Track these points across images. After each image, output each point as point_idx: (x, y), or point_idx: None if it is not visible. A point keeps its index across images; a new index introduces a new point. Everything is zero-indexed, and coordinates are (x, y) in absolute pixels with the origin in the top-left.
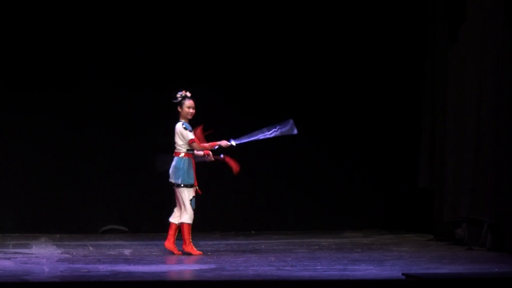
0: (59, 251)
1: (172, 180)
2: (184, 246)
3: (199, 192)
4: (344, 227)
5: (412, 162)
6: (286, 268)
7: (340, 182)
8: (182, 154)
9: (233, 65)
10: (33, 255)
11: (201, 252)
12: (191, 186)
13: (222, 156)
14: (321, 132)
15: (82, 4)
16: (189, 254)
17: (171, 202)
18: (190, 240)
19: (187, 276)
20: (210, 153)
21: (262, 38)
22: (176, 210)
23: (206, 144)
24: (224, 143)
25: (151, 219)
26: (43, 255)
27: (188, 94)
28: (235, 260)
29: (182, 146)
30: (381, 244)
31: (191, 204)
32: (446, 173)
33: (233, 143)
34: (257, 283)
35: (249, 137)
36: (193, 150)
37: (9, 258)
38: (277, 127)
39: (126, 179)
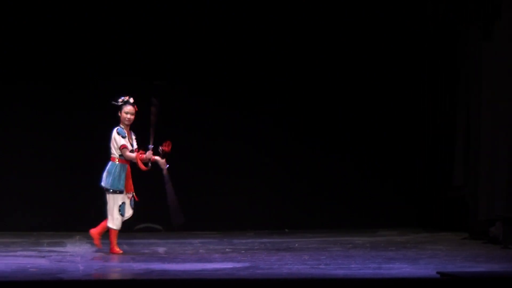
0: (94, 249)
1: (103, 184)
2: (111, 249)
3: (136, 198)
4: (379, 225)
5: (447, 160)
6: (320, 266)
7: (375, 180)
8: (116, 160)
9: (233, 65)
10: (68, 254)
11: (122, 251)
12: (120, 192)
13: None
14: (355, 130)
15: (82, 3)
16: (114, 254)
17: (204, 201)
18: (116, 243)
19: (222, 275)
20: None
21: (261, 38)
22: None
23: (131, 155)
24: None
25: (185, 217)
26: (78, 254)
27: (131, 100)
28: (269, 259)
29: (116, 151)
30: (415, 242)
31: (119, 210)
32: (480, 171)
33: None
34: (291, 282)
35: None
36: (123, 155)
37: (44, 257)
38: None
39: (158, 177)
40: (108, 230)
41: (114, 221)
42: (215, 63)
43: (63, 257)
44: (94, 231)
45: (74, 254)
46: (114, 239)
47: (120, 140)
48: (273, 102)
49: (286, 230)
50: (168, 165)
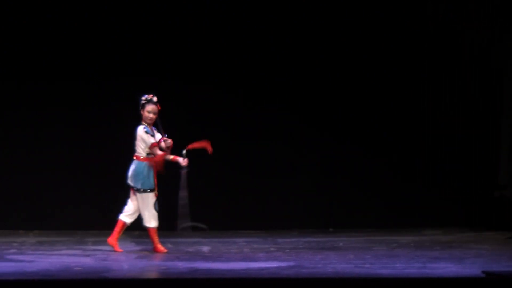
0: (138, 248)
1: (131, 184)
2: (154, 247)
3: (156, 195)
4: (424, 224)
5: (492, 159)
6: (365, 265)
7: (420, 180)
8: (143, 158)
9: (233, 65)
10: (112, 252)
11: (167, 250)
12: (151, 190)
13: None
14: (398, 132)
15: (82, 3)
16: (159, 252)
17: (249, 200)
18: (158, 240)
19: (266, 274)
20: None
21: (262, 38)
22: (127, 208)
23: (161, 154)
24: (180, 160)
25: (229, 217)
26: (122, 252)
27: (154, 98)
28: (314, 258)
29: (143, 150)
30: (460, 241)
31: (154, 207)
32: None
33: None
34: (336, 281)
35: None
36: (153, 154)
37: (88, 255)
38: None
39: (203, 177)
40: (147, 230)
41: (151, 219)
42: (218, 63)
43: (108, 256)
44: (112, 240)
45: (119, 253)
46: (155, 237)
47: (149, 139)
48: (317, 102)
49: (331, 229)
50: (188, 169)
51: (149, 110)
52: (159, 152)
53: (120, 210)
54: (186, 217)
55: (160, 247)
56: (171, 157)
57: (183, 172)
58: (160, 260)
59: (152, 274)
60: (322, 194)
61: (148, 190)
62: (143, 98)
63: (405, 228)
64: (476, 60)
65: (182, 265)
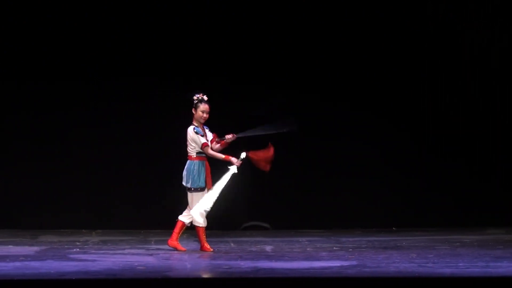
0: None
1: (184, 183)
2: (201, 247)
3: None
4: (487, 223)
5: None
6: (428, 265)
7: (482, 179)
8: (194, 157)
9: (233, 66)
10: (175, 252)
11: (213, 249)
12: (201, 189)
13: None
14: (459, 131)
15: (82, 3)
16: (205, 252)
17: (312, 199)
18: (205, 240)
19: (329, 273)
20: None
21: (262, 38)
22: (187, 209)
23: (217, 154)
24: (234, 160)
25: (292, 216)
26: (185, 252)
27: (205, 97)
28: (377, 257)
29: (192, 150)
30: None
31: None
32: None
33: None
34: (399, 280)
35: (251, 132)
36: (205, 153)
37: (151, 254)
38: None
39: (266, 176)
40: (194, 229)
41: (199, 219)
42: (222, 64)
43: (171, 255)
44: (172, 242)
45: (182, 252)
46: (203, 236)
47: (200, 139)
48: (382, 100)
49: (394, 228)
50: (236, 172)
51: (203, 110)
52: (211, 152)
53: (182, 210)
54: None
55: (207, 246)
56: (222, 157)
57: (232, 171)
58: (223, 259)
59: (215, 273)
60: (386, 193)
61: (198, 189)
62: (195, 97)
63: (468, 227)
64: (476, 60)
65: (245, 264)
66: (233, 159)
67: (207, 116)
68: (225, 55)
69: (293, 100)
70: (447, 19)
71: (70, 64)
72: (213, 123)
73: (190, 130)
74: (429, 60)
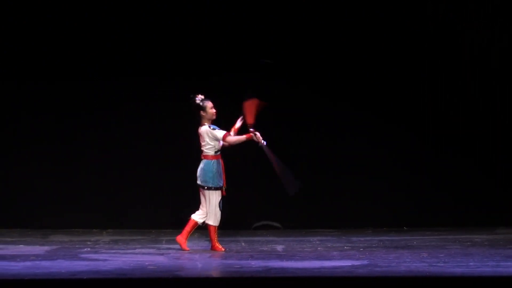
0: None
1: (200, 182)
2: (212, 246)
3: (223, 193)
4: (497, 223)
5: None
6: (439, 264)
7: (493, 179)
8: (211, 157)
9: (233, 66)
10: (186, 251)
11: (224, 248)
12: (217, 188)
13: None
14: (467, 131)
15: (82, 3)
16: (216, 251)
17: (323, 198)
18: (217, 239)
19: (340, 272)
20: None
21: (262, 38)
22: (201, 209)
23: (239, 137)
24: (256, 135)
25: (303, 215)
26: (196, 251)
27: (203, 96)
28: (387, 256)
29: (210, 149)
30: None
31: (219, 206)
32: None
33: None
34: (410, 279)
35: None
36: (220, 151)
37: (162, 254)
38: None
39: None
40: (207, 228)
41: (215, 218)
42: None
43: (182, 254)
44: (181, 239)
45: (192, 252)
46: (214, 235)
47: (220, 131)
48: (391, 100)
49: (405, 227)
50: (266, 142)
51: (211, 106)
52: (233, 138)
53: (193, 210)
54: (295, 182)
55: (218, 245)
56: (244, 137)
57: (263, 146)
58: (234, 259)
59: (226, 273)
60: (396, 193)
61: (213, 188)
62: (198, 99)
63: (479, 227)
64: (476, 60)
65: (256, 264)
66: (256, 135)
67: (216, 110)
68: (225, 55)
69: (295, 100)
70: (447, 19)
71: (69, 64)
72: (213, 123)
73: (206, 129)
74: (429, 60)
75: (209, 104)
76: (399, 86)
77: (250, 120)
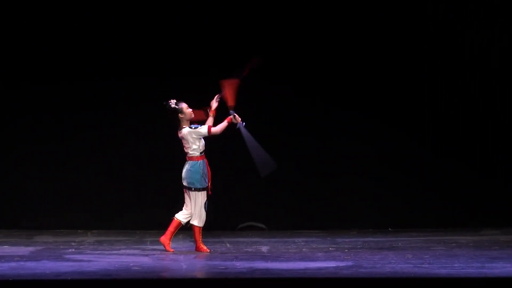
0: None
1: (187, 184)
2: (196, 247)
3: (209, 192)
4: (482, 224)
5: None
6: (424, 265)
7: (478, 180)
8: (196, 158)
9: (233, 66)
10: (170, 252)
11: (209, 249)
12: (203, 189)
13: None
14: (457, 131)
15: (82, 3)
16: (200, 252)
17: (308, 200)
18: (201, 240)
19: (325, 273)
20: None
21: (262, 38)
22: (185, 209)
23: (220, 125)
24: (235, 118)
25: (288, 216)
26: (181, 252)
27: (176, 99)
28: (372, 257)
29: (196, 151)
30: None
31: (204, 207)
32: None
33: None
34: (394, 281)
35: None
36: (204, 151)
37: (147, 255)
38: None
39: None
40: (192, 228)
41: (200, 219)
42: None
43: (166, 255)
44: (165, 240)
45: (177, 253)
46: (199, 236)
47: (203, 127)
48: (380, 100)
49: (390, 229)
50: (243, 123)
51: (187, 106)
52: (217, 128)
53: (178, 210)
54: (270, 163)
55: (202, 246)
56: (226, 123)
57: (241, 126)
58: (219, 260)
59: (210, 274)
60: (382, 194)
61: (201, 189)
62: (171, 104)
63: (464, 228)
64: (476, 60)
65: (240, 265)
66: (235, 117)
67: (192, 109)
68: (225, 55)
69: (291, 100)
70: (447, 19)
71: (68, 64)
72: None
73: (188, 130)
74: (429, 60)
75: (184, 105)
76: (399, 86)
77: (231, 102)
